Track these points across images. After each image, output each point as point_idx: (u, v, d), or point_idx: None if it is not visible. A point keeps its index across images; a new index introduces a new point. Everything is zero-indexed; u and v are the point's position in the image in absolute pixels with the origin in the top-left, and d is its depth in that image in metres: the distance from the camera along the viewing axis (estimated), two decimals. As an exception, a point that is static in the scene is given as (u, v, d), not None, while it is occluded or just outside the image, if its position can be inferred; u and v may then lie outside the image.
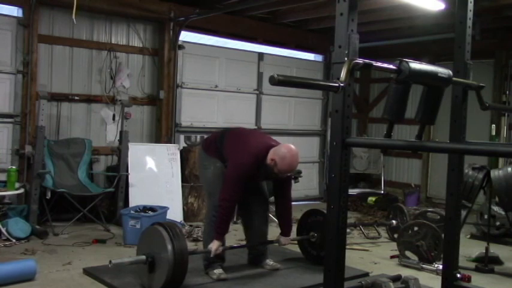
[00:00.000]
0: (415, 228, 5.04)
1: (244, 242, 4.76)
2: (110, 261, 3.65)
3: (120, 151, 6.30)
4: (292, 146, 4.16)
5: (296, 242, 4.97)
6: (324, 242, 4.58)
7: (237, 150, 4.23)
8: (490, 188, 5.27)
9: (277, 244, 4.59)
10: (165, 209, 5.56)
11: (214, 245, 4.09)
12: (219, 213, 4.12)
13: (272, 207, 4.73)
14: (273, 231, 6.14)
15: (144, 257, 3.81)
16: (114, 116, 6.79)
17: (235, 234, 5.72)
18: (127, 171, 6.25)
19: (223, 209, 4.10)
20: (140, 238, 4.09)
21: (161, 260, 3.74)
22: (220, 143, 4.34)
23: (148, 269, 3.83)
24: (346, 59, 2.59)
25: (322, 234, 4.65)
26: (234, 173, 4.14)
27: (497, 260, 5.02)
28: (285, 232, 4.58)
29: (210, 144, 4.46)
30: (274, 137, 4.54)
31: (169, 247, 3.69)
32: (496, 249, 5.25)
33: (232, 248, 4.41)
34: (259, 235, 4.59)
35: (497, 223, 5.90)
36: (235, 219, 6.43)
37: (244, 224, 4.67)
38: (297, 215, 7.23)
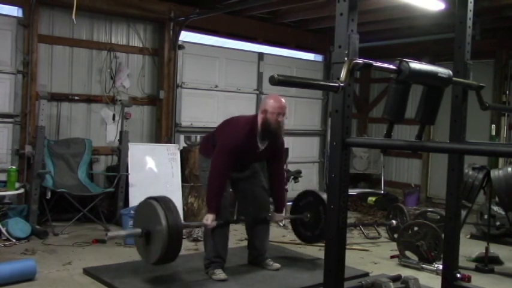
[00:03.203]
0: (415, 228, 5.03)
1: (244, 243, 4.75)
2: (106, 234, 3.70)
3: (120, 151, 6.30)
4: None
5: (295, 241, 4.98)
6: (316, 222, 4.71)
7: (228, 129, 4.32)
8: (490, 188, 5.27)
9: (270, 220, 4.63)
10: (165, 209, 5.55)
11: (208, 219, 4.11)
12: (209, 186, 4.16)
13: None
14: (272, 230, 6.15)
15: (139, 230, 3.85)
16: (114, 116, 6.79)
17: (235, 234, 5.73)
18: (127, 171, 6.25)
19: (212, 181, 4.14)
20: (135, 212, 4.10)
21: (156, 233, 3.76)
22: (213, 140, 4.37)
23: (145, 242, 3.86)
24: (346, 59, 2.59)
25: (314, 214, 4.74)
26: (225, 142, 4.20)
27: (497, 260, 5.02)
28: (278, 208, 4.62)
29: (206, 145, 4.50)
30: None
31: (164, 221, 3.71)
32: (496, 249, 5.25)
33: (226, 223, 4.33)
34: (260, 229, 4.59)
35: (497, 223, 5.90)
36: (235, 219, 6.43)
37: (245, 221, 4.69)
38: (297, 215, 7.22)
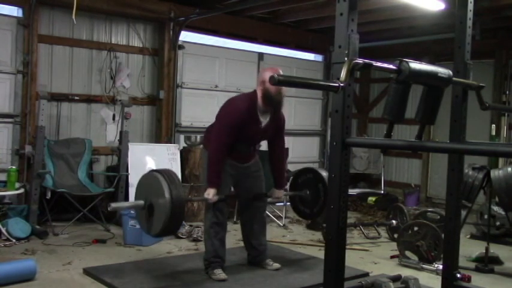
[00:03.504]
0: (415, 228, 5.04)
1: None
2: (110, 205, 3.69)
3: (120, 151, 6.30)
4: None
5: (295, 241, 4.97)
6: (315, 199, 4.66)
7: (227, 108, 4.33)
8: (490, 188, 5.27)
9: (270, 199, 4.62)
10: (165, 209, 5.55)
11: (210, 193, 4.10)
12: (209, 160, 4.18)
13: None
14: (272, 230, 6.15)
15: (142, 202, 3.83)
16: (114, 116, 6.79)
17: (235, 234, 5.73)
18: (127, 171, 6.25)
19: (212, 155, 4.16)
20: (138, 184, 4.05)
21: (159, 205, 3.74)
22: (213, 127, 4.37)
23: (147, 214, 3.84)
24: (346, 59, 2.59)
25: (313, 191, 4.69)
26: (225, 117, 4.21)
27: (497, 260, 5.02)
28: (279, 184, 4.61)
29: (209, 136, 4.46)
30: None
31: (167, 194, 3.67)
32: (496, 249, 5.25)
33: (226, 198, 4.34)
34: (258, 231, 4.58)
35: (497, 223, 5.90)
36: (235, 219, 6.43)
37: (241, 220, 4.69)
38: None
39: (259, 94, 4.22)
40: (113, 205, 3.73)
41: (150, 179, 3.91)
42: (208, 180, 4.16)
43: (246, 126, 4.20)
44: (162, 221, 3.70)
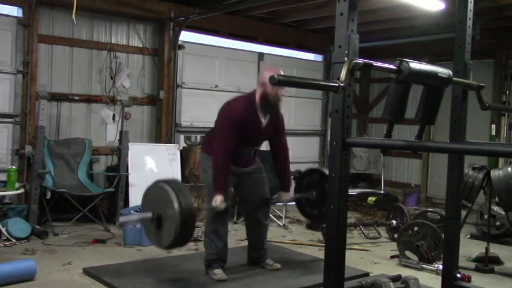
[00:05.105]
0: (415, 228, 5.04)
1: (244, 243, 4.75)
2: (118, 219, 3.63)
3: (120, 151, 6.30)
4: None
5: (295, 241, 4.95)
6: (322, 199, 4.49)
7: (226, 108, 4.31)
8: (490, 188, 5.27)
9: (278, 201, 4.59)
10: (165, 209, 5.55)
11: (217, 200, 4.05)
12: (214, 164, 4.12)
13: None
14: (272, 230, 6.15)
15: (150, 214, 3.74)
16: (114, 116, 6.79)
17: (235, 234, 5.73)
18: (127, 171, 6.25)
19: (217, 159, 4.11)
20: (144, 196, 3.97)
21: (168, 217, 3.63)
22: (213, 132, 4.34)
23: (156, 226, 3.74)
24: (346, 59, 2.59)
25: (320, 191, 4.56)
26: (225, 116, 4.19)
27: (497, 260, 5.02)
28: (285, 187, 4.57)
29: (208, 140, 4.45)
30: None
31: (176, 205, 3.57)
32: (496, 249, 5.25)
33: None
34: (260, 229, 4.58)
35: (497, 223, 5.90)
36: (235, 220, 6.43)
37: (246, 221, 4.68)
38: (297, 215, 7.23)
39: (258, 95, 4.21)
40: (121, 219, 3.67)
41: (156, 190, 3.82)
42: (215, 186, 4.10)
43: (246, 126, 4.18)
44: (173, 233, 3.59)
